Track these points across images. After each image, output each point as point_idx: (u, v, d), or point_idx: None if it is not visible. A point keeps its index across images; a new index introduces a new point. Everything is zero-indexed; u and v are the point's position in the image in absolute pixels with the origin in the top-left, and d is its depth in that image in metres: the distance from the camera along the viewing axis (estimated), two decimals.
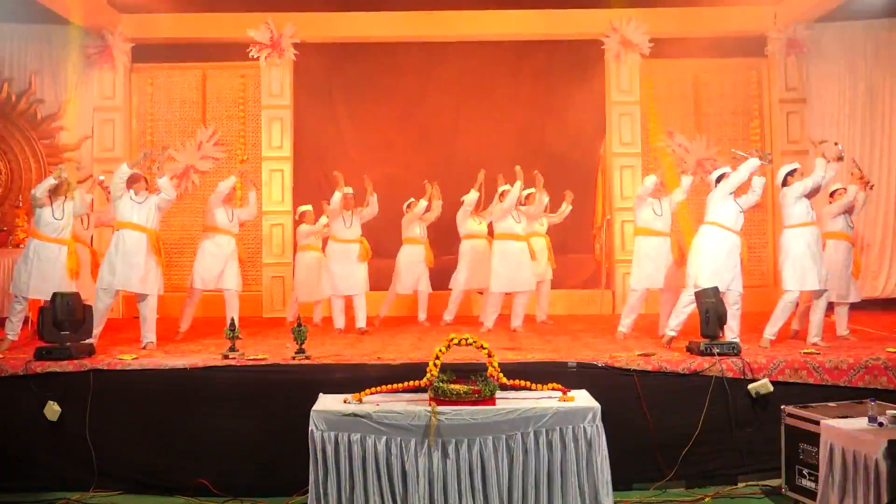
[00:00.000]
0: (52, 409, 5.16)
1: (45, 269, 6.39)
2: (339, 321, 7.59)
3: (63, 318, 5.55)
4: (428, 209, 8.28)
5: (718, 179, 6.43)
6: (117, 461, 5.16)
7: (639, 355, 5.48)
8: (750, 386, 5.18)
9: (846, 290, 6.73)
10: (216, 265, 7.13)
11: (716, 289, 5.68)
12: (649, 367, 5.26)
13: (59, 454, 5.20)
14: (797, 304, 6.58)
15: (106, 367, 5.34)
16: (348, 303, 7.64)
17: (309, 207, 8.39)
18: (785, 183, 6.37)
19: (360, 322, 7.50)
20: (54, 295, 5.72)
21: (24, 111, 9.41)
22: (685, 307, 6.16)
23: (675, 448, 5.09)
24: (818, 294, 6.25)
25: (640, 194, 6.95)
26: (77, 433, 5.14)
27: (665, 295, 6.86)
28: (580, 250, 8.89)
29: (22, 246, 7.72)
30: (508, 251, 7.48)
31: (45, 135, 9.47)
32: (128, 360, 5.51)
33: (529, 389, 4.58)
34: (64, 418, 5.18)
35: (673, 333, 6.22)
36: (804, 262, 6.11)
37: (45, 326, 5.56)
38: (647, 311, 7.51)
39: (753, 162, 6.16)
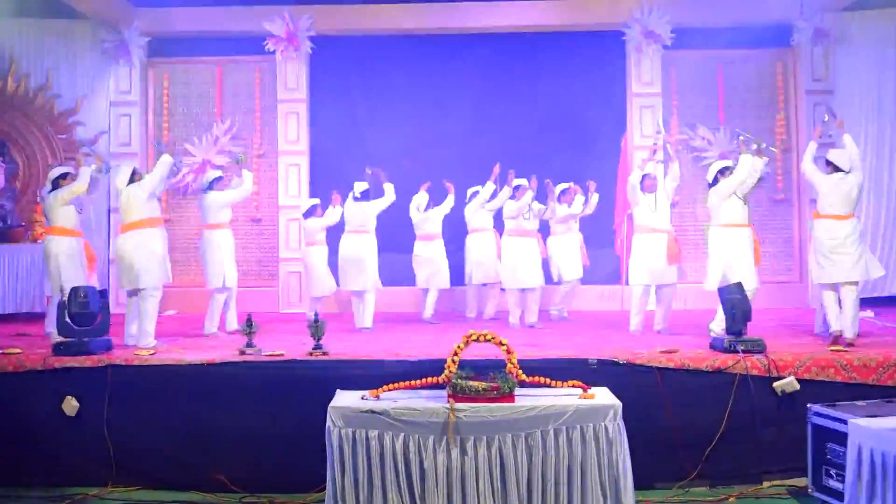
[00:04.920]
0: (70, 405, 5.22)
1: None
2: (359, 319, 7.59)
3: (78, 313, 5.61)
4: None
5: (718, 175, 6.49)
6: (135, 457, 5.22)
7: (661, 352, 5.44)
8: (775, 384, 5.13)
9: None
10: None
11: (740, 284, 5.64)
12: (671, 365, 5.23)
13: (76, 449, 5.26)
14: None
15: (123, 363, 5.40)
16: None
17: (317, 201, 8.42)
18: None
19: (367, 321, 7.49)
20: (71, 289, 5.81)
21: (41, 106, 9.50)
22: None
23: (699, 447, 5.05)
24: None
25: (629, 192, 7.06)
26: (95, 428, 5.20)
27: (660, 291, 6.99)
28: (601, 245, 8.82)
29: (40, 241, 7.79)
30: (517, 248, 7.57)
31: (62, 130, 9.55)
32: (145, 355, 5.56)
33: (549, 386, 4.55)
34: (82, 413, 5.24)
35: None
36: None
37: (59, 321, 5.64)
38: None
39: (748, 159, 6.31)
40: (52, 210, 6.56)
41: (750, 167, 6.34)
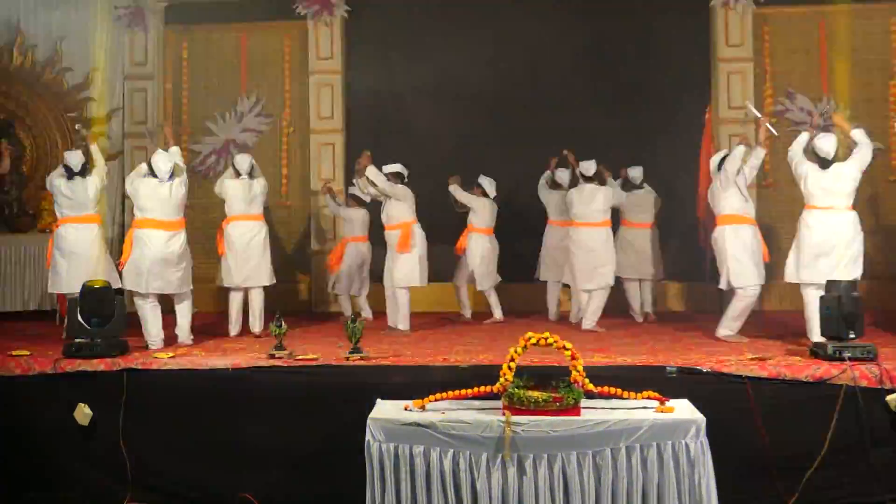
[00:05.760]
0: (83, 413, 5.35)
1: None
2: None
3: (92, 311, 5.74)
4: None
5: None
6: (153, 471, 5.33)
7: (751, 359, 5.38)
8: (889, 398, 5.00)
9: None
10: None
11: (854, 282, 5.56)
12: (764, 374, 5.15)
13: (90, 462, 5.40)
14: None
15: (141, 367, 5.51)
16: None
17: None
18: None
19: (402, 324, 7.47)
20: (84, 286, 5.97)
21: (50, 81, 9.73)
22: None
23: (797, 470, 4.97)
24: None
25: (728, 171, 6.73)
26: (110, 439, 5.32)
27: None
28: (680, 236, 8.71)
29: (49, 231, 7.98)
30: (598, 239, 7.57)
31: (72, 108, 9.77)
32: (164, 358, 5.67)
33: (620, 398, 4.55)
34: (96, 423, 5.37)
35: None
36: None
37: (71, 319, 5.79)
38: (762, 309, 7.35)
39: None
40: (93, 198, 6.89)
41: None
